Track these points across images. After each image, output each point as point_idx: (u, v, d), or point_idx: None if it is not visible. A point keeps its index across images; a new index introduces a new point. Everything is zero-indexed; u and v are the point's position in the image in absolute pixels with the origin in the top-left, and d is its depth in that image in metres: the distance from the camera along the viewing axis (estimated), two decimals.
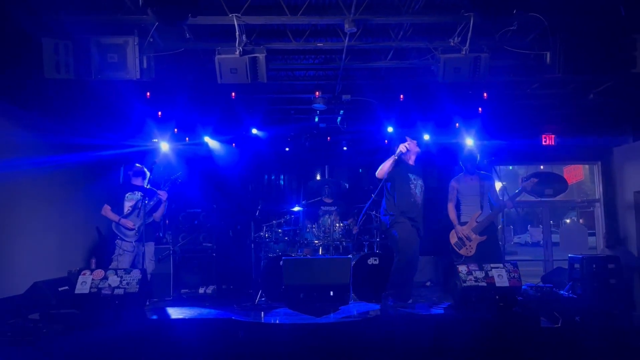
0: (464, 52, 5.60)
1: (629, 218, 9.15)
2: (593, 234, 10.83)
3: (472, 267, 5.02)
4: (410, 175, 5.89)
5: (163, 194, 6.29)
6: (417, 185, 5.93)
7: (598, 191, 10.03)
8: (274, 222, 7.74)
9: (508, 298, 4.83)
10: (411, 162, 6.03)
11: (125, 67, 5.46)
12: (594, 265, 5.13)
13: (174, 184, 6.36)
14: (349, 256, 6.70)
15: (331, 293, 5.50)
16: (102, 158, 7.81)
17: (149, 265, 6.07)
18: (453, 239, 6.28)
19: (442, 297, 7.36)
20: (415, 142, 6.04)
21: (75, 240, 7.91)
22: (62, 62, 5.35)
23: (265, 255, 7.58)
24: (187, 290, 8.25)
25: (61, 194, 7.51)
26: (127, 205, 6.20)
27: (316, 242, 7.46)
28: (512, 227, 25.90)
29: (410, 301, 5.78)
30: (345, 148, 10.14)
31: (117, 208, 6.19)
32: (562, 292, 5.48)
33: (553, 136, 9.29)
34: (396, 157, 5.77)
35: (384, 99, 8.25)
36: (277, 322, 5.00)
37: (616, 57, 5.44)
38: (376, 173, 5.94)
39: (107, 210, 6.21)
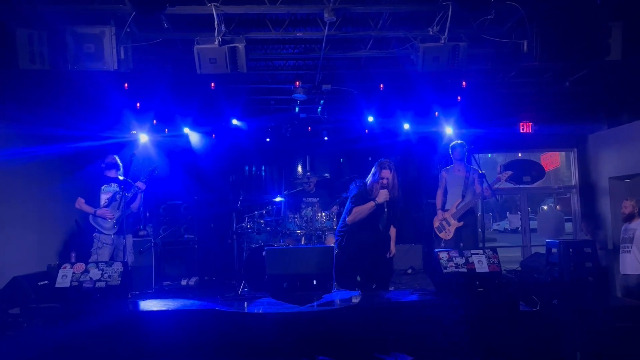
0: (442, 41, 5.64)
1: (604, 204, 9.36)
2: (570, 220, 11.06)
3: (453, 253, 5.08)
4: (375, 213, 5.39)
5: (141, 185, 6.20)
6: (381, 220, 5.48)
7: (574, 178, 10.23)
8: (256, 212, 7.72)
9: (488, 283, 4.91)
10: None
11: (102, 57, 5.37)
12: (571, 250, 5.22)
13: (151, 175, 6.27)
14: (332, 245, 6.73)
15: (314, 282, 5.50)
16: (80, 150, 7.69)
17: (128, 258, 6.01)
18: (436, 223, 6.73)
19: (423, 284, 7.48)
20: (390, 173, 5.30)
21: (54, 234, 7.82)
22: (36, 52, 5.24)
23: (248, 246, 7.56)
24: (169, 282, 8.22)
25: (39, 187, 7.41)
26: (104, 198, 6.06)
27: (298, 232, 7.49)
28: (490, 214, 26.30)
29: (391, 288, 5.86)
30: (326, 138, 10.19)
31: (93, 201, 6.05)
32: (540, 276, 5.61)
33: (530, 124, 9.43)
34: (375, 205, 5.26)
35: (364, 89, 8.28)
36: (261, 311, 5.00)
37: (591, 45, 5.54)
38: (348, 219, 5.40)
39: (81, 203, 6.04)
